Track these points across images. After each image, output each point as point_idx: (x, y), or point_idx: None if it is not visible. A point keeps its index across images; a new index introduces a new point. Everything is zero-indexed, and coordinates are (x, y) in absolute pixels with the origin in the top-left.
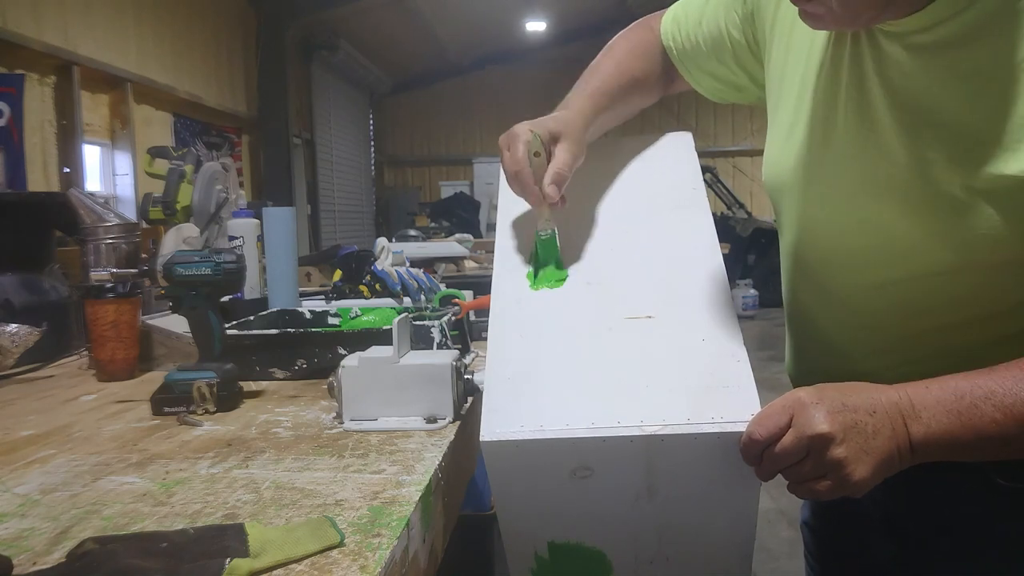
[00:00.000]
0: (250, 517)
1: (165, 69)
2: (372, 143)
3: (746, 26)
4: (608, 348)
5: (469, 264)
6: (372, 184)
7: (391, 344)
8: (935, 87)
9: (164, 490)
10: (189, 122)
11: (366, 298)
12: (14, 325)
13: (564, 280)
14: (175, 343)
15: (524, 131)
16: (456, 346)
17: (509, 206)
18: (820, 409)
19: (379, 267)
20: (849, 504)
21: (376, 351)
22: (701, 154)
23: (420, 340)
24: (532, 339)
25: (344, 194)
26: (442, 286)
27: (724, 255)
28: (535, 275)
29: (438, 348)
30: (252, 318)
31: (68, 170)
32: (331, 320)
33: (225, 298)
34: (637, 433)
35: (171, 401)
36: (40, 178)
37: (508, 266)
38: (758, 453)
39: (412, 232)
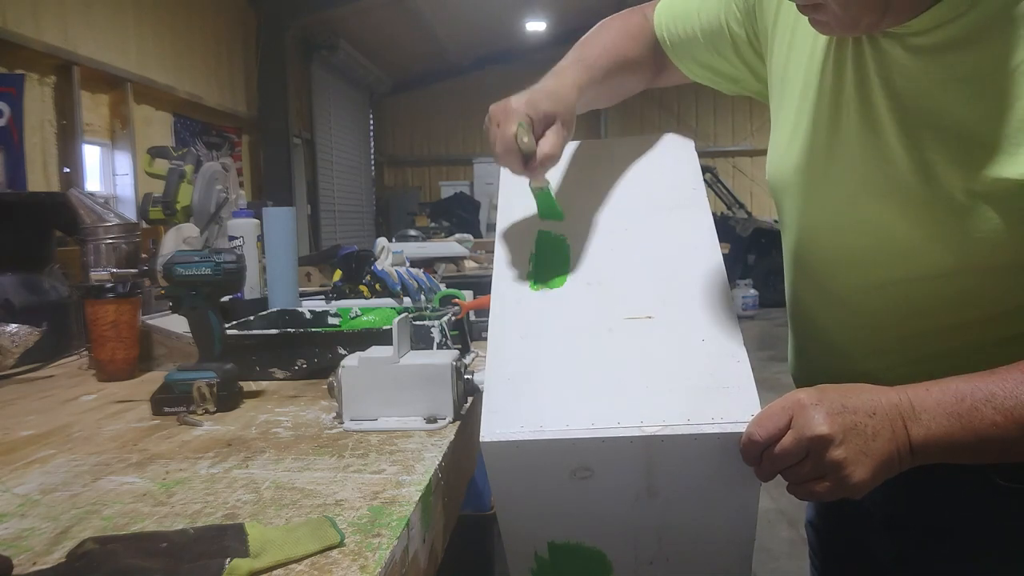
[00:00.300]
0: (250, 517)
1: (165, 69)
2: (372, 143)
3: (747, 21)
4: (608, 348)
5: (469, 264)
6: (372, 184)
7: (391, 344)
8: (935, 89)
9: (164, 490)
10: (189, 122)
11: (366, 298)
12: (14, 325)
13: (564, 281)
14: (175, 343)
15: (517, 111)
16: (456, 346)
17: (509, 206)
18: (820, 410)
19: (379, 267)
20: (852, 504)
21: (376, 351)
22: (701, 154)
23: (420, 340)
24: (532, 339)
25: (344, 194)
26: (442, 286)
27: (724, 255)
28: (535, 275)
29: (438, 348)
30: (252, 318)
31: (68, 170)
32: (331, 320)
33: (225, 298)
34: (637, 434)
35: (171, 401)
36: (40, 178)
37: (508, 266)
38: (758, 454)
39: (412, 232)
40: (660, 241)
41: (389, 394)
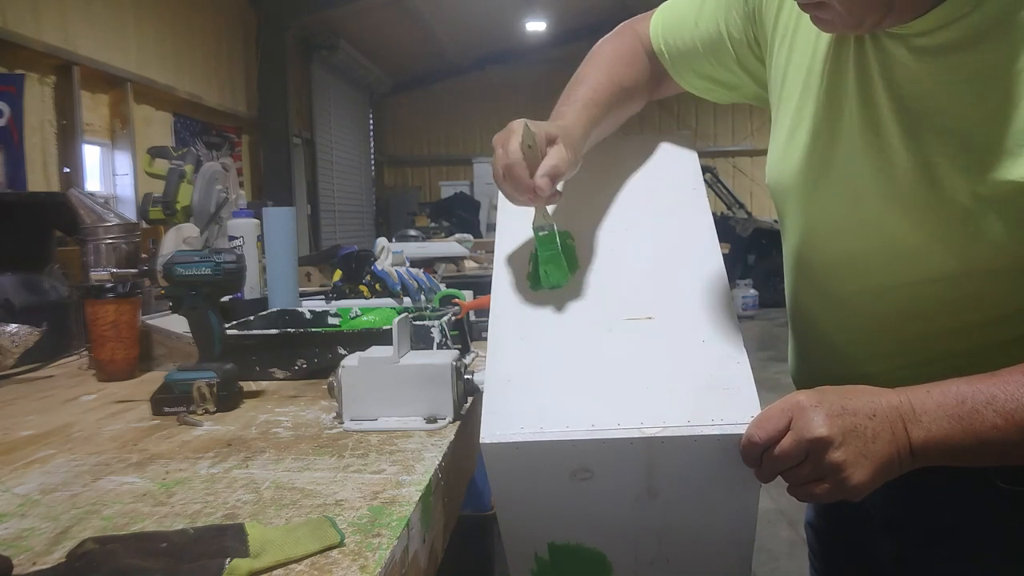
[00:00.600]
0: (250, 517)
1: (165, 69)
2: (372, 143)
3: (747, 26)
4: (608, 349)
5: (469, 264)
6: (372, 184)
7: (391, 344)
8: (939, 91)
9: (164, 490)
10: (189, 122)
11: (366, 298)
12: (14, 325)
13: (564, 282)
14: (175, 343)
15: (521, 124)
16: (456, 346)
17: (509, 206)
18: (819, 412)
19: (379, 267)
20: (851, 506)
21: (376, 351)
22: (701, 154)
23: (420, 340)
24: (532, 340)
25: (344, 194)
26: (442, 286)
27: (724, 255)
28: (535, 275)
29: (438, 348)
30: (252, 318)
31: (68, 170)
32: (331, 320)
33: (225, 298)
34: (637, 435)
35: (171, 401)
36: (40, 178)
37: (508, 266)
38: (757, 455)
39: (412, 232)
40: (660, 241)
41: (389, 394)
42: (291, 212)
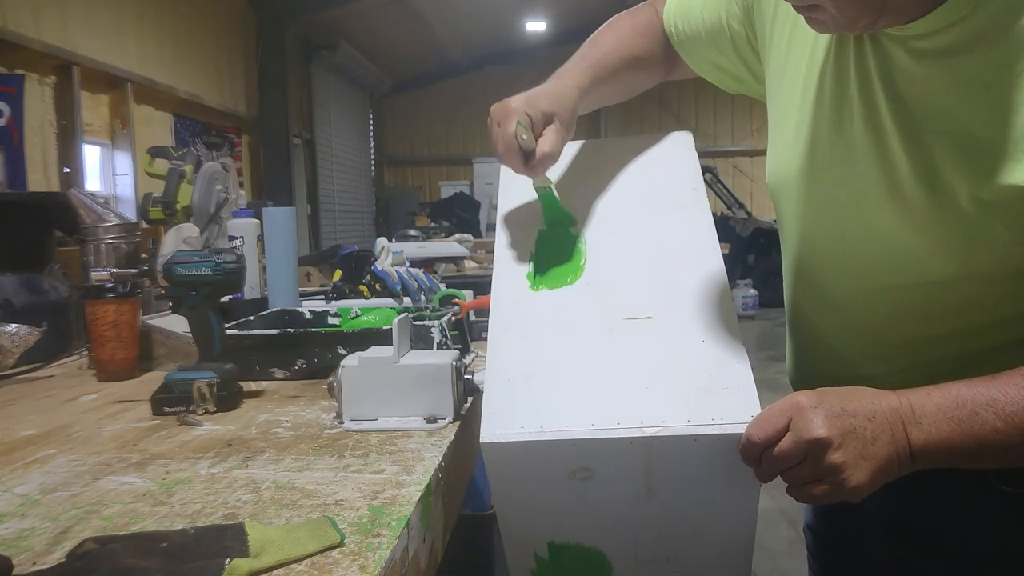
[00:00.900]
0: (250, 517)
1: (165, 69)
2: (372, 143)
3: (746, 19)
4: (608, 349)
5: (469, 264)
6: (372, 184)
7: (391, 344)
8: (939, 94)
9: (164, 490)
10: (189, 122)
11: (366, 298)
12: (14, 325)
13: (567, 280)
14: (175, 343)
15: (516, 110)
16: (456, 346)
17: (509, 206)
18: (818, 413)
19: (379, 267)
20: (851, 508)
21: (376, 351)
22: (701, 154)
23: (420, 340)
24: (532, 340)
25: (344, 194)
26: (442, 286)
27: (724, 255)
28: (535, 275)
29: (438, 348)
30: (252, 318)
31: (68, 170)
32: (331, 320)
33: (225, 298)
34: (637, 435)
35: (171, 401)
36: (40, 178)
37: (508, 266)
38: (757, 455)
39: (412, 232)
40: (660, 241)
41: (389, 394)
42: (291, 212)
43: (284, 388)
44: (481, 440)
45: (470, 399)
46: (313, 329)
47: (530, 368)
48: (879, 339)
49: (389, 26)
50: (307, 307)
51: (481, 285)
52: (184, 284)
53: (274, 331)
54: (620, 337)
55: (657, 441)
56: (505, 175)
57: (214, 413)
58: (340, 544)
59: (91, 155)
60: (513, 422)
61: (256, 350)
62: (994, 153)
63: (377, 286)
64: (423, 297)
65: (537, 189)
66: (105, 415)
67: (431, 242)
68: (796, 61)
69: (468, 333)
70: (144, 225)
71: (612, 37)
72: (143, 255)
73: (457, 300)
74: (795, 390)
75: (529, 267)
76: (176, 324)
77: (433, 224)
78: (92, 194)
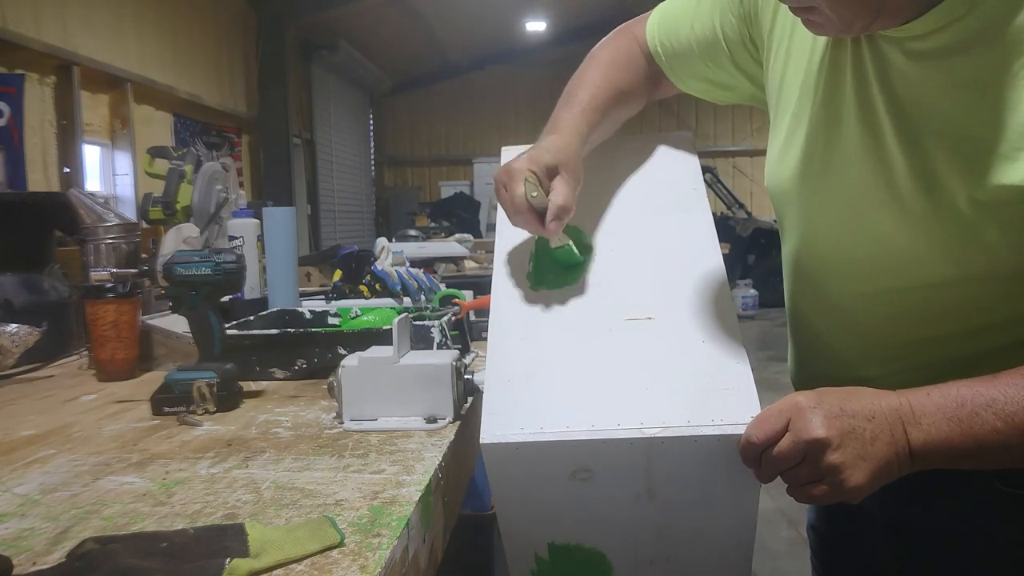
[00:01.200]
0: (250, 517)
1: (165, 69)
2: (372, 143)
3: (743, 27)
4: (608, 350)
5: (469, 264)
6: (372, 184)
7: (391, 344)
8: (936, 95)
9: (164, 490)
10: (189, 122)
11: (366, 298)
12: (14, 325)
13: (567, 281)
14: (175, 343)
15: (521, 170)
16: (456, 346)
17: None
18: (817, 414)
19: (379, 267)
20: (852, 508)
21: (376, 351)
22: (701, 154)
23: (420, 340)
24: (532, 340)
25: (344, 194)
26: (442, 286)
27: (724, 255)
28: (535, 275)
29: (438, 348)
30: (252, 318)
31: (68, 170)
32: (331, 320)
33: (225, 298)
34: (637, 435)
35: (171, 401)
36: (40, 178)
37: (508, 266)
38: (756, 456)
39: (412, 232)
40: (660, 242)
41: (389, 394)
42: (291, 212)
43: (284, 388)
44: (481, 440)
45: (470, 399)
46: (313, 329)
47: (530, 368)
48: (878, 341)
49: (389, 26)
50: (307, 307)
51: (481, 285)
52: (184, 284)
53: (274, 331)
54: (620, 337)
55: (657, 442)
56: None
57: (214, 413)
58: (340, 544)
59: (91, 155)
60: (513, 422)
61: (256, 350)
62: (991, 154)
63: (377, 286)
64: (423, 297)
65: (554, 250)
66: (105, 415)
67: (431, 242)
68: (795, 65)
69: (468, 333)
70: (144, 225)
71: (597, 76)
72: (143, 255)
73: (457, 300)
74: (796, 390)
75: (529, 267)
76: (176, 324)
77: (433, 224)
78: (92, 194)
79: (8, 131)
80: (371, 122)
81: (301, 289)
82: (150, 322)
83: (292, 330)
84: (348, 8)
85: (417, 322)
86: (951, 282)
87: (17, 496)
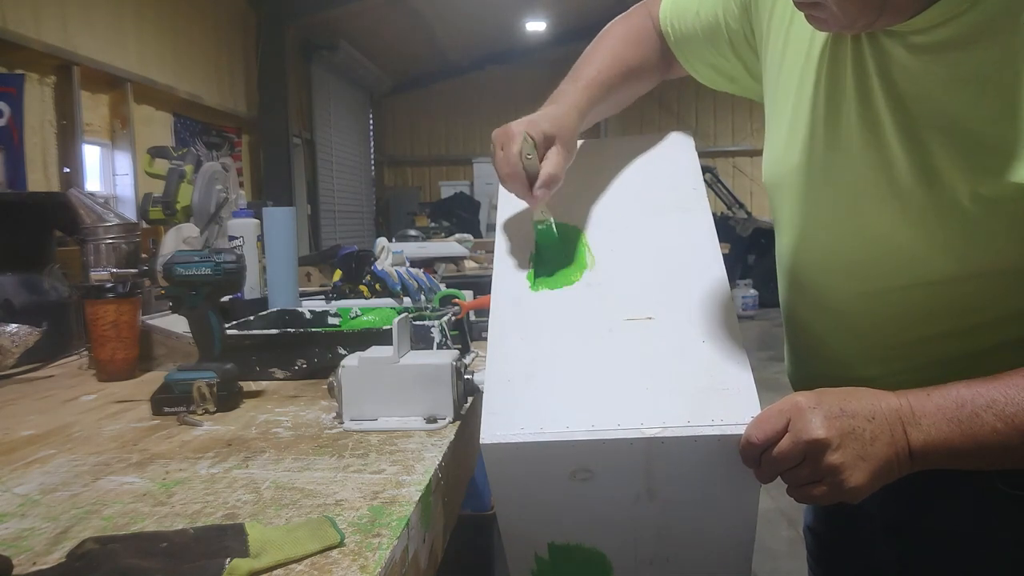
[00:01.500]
0: (250, 517)
1: (165, 69)
2: (372, 143)
3: (743, 17)
4: (608, 350)
5: (469, 264)
6: (372, 184)
7: (391, 344)
8: (938, 90)
9: (164, 490)
10: (189, 122)
11: (366, 298)
12: (14, 325)
13: (567, 281)
14: (175, 343)
15: (519, 132)
16: (456, 346)
17: (509, 206)
18: (817, 414)
19: (379, 267)
20: (852, 509)
21: (376, 351)
22: (701, 154)
23: (420, 340)
24: (532, 340)
25: (344, 194)
26: (442, 286)
27: (724, 255)
28: (535, 275)
29: (438, 348)
30: (252, 318)
31: (68, 170)
32: (331, 320)
33: (225, 298)
34: (637, 435)
35: (171, 401)
36: (40, 178)
37: (508, 266)
38: (756, 456)
39: (412, 232)
40: (660, 242)
41: (389, 394)
42: (291, 212)
43: (284, 388)
44: (481, 441)
45: (470, 399)
46: (313, 329)
47: (530, 368)
48: (876, 341)
49: (389, 26)
50: (307, 307)
51: (481, 285)
52: (184, 284)
53: (274, 331)
54: (620, 338)
55: (657, 442)
56: None
57: (214, 413)
58: (340, 544)
59: (91, 155)
60: (513, 423)
61: (256, 350)
62: (995, 149)
63: (377, 286)
64: (423, 297)
65: (536, 223)
66: (105, 415)
67: (431, 242)
68: (792, 58)
69: (468, 333)
70: (144, 225)
71: (606, 52)
72: (143, 255)
73: (457, 300)
74: (795, 390)
75: (529, 267)
76: (176, 324)
77: (433, 224)
78: (92, 194)
79: (8, 131)
80: (371, 122)
81: (301, 289)
82: (150, 322)
83: (292, 330)
84: (348, 8)
85: (417, 322)
86: (950, 279)
87: (17, 496)
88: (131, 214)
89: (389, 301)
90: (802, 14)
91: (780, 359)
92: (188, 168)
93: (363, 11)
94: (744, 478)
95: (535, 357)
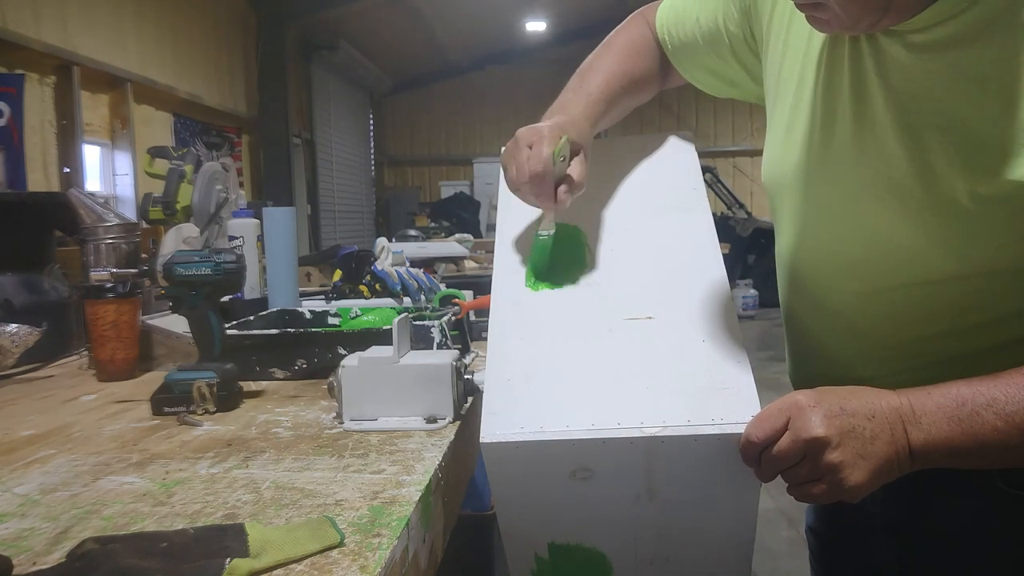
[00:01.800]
0: (250, 517)
1: (165, 69)
2: (372, 143)
3: (743, 20)
4: (608, 349)
5: (469, 264)
6: (372, 184)
7: (391, 344)
8: (937, 88)
9: (164, 490)
10: (189, 122)
11: (366, 298)
12: (14, 325)
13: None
14: (175, 343)
15: (552, 134)
16: (456, 346)
17: (509, 206)
18: (817, 412)
19: (379, 267)
20: (852, 509)
21: (376, 351)
22: (701, 154)
23: (420, 340)
24: (532, 340)
25: (344, 194)
26: (442, 286)
27: (724, 255)
28: (535, 276)
29: (438, 348)
30: (252, 318)
31: (68, 170)
32: (331, 320)
33: (225, 298)
34: (637, 435)
35: (171, 401)
36: (40, 178)
37: (508, 266)
38: (756, 455)
39: (412, 232)
40: (660, 242)
41: (389, 394)
42: (291, 212)
43: (284, 388)
44: (481, 440)
45: (470, 399)
46: (313, 329)
47: (530, 368)
48: (876, 341)
49: (389, 26)
50: (307, 307)
51: (481, 285)
52: (184, 284)
53: (274, 331)
54: (620, 337)
55: (657, 441)
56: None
57: (214, 413)
58: (340, 544)
59: (91, 155)
60: (513, 422)
61: (256, 350)
62: (994, 148)
63: (377, 286)
64: (423, 297)
65: (539, 234)
66: (105, 415)
67: (431, 242)
68: (791, 59)
69: (468, 333)
70: (144, 225)
71: (612, 62)
72: (143, 255)
73: (457, 300)
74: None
75: (529, 267)
76: (176, 324)
77: (433, 224)
78: (92, 194)
79: (8, 131)
80: (371, 122)
81: (301, 289)
82: (150, 322)
83: (292, 330)
84: (348, 8)
85: (417, 322)
86: (949, 278)
87: (17, 496)
88: (131, 214)
89: (389, 301)
90: (801, 15)
91: (780, 359)
92: (188, 168)
93: (363, 11)
94: (744, 478)
95: (535, 357)
